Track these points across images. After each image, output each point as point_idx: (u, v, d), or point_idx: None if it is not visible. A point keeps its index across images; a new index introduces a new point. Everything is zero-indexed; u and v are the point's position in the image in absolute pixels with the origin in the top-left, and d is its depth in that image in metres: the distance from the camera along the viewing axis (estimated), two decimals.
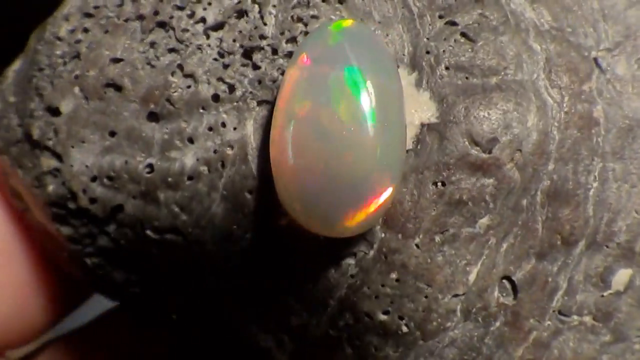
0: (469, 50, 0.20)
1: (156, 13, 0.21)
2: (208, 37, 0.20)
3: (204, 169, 0.20)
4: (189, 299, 0.22)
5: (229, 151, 0.20)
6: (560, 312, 0.20)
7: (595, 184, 0.20)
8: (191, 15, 0.20)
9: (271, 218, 0.20)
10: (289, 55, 0.20)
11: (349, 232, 0.18)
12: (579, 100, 0.20)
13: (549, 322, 0.20)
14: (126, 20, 0.21)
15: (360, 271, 0.20)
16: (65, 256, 0.23)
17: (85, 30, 0.21)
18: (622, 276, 0.20)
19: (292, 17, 0.20)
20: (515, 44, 0.20)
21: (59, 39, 0.21)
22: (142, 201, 0.20)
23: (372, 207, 0.17)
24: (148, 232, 0.21)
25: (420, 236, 0.19)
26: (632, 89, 0.20)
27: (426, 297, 0.19)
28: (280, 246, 0.20)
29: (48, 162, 0.21)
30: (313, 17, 0.20)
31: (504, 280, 0.20)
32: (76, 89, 0.21)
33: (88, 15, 0.21)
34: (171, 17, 0.20)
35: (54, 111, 0.21)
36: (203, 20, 0.20)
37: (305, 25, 0.20)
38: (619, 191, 0.20)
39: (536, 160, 0.19)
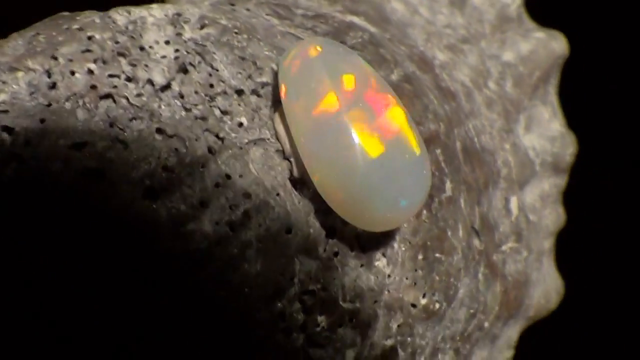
0: (366, 58, 0.22)
1: (94, 87, 0.17)
2: (162, 98, 0.18)
3: (226, 230, 0.17)
4: None
5: (247, 200, 0.18)
6: (498, 246, 0.24)
7: (475, 138, 0.25)
8: (132, 80, 0.18)
9: (314, 249, 0.18)
10: (254, 92, 0.19)
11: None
12: (439, 80, 0.24)
13: (499, 255, 0.24)
14: (58, 102, 0.17)
15: (394, 266, 0.20)
16: None
17: (6, 129, 0.16)
18: (514, 202, 0.25)
19: (236, 58, 0.19)
20: (387, 48, 0.23)
21: None
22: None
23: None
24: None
25: (425, 212, 0.21)
26: (454, 66, 0.26)
27: (443, 265, 0.21)
28: (326, 275, 0.19)
29: None
30: (252, 54, 0.20)
31: (471, 229, 0.23)
32: None
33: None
34: (114, 87, 0.17)
35: None
36: (150, 82, 0.18)
37: (253, 62, 0.19)
38: (487, 139, 0.25)
39: (449, 127, 0.23)
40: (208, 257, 0.17)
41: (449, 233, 0.22)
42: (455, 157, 0.23)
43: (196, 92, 0.18)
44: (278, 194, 0.18)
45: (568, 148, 0.28)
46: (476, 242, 0.23)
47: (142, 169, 0.17)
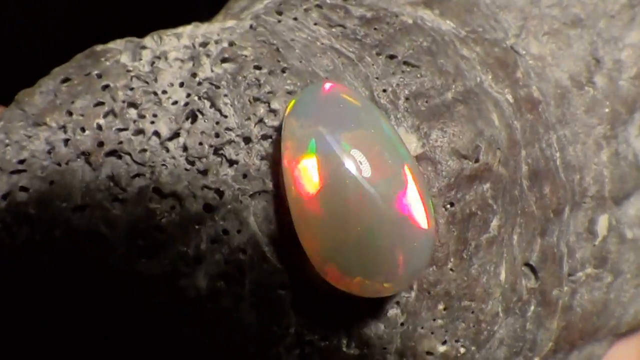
0: (418, 76, 0.20)
1: (101, 144, 0.18)
2: (168, 150, 0.19)
3: (221, 284, 0.18)
4: None
5: (243, 256, 0.18)
6: (569, 275, 0.22)
7: (557, 154, 0.22)
8: (140, 132, 0.19)
9: (310, 302, 0.19)
10: (265, 137, 0.19)
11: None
12: (518, 87, 0.21)
13: (565, 287, 0.22)
14: (67, 163, 0.18)
15: (409, 315, 0.20)
16: None
17: (24, 189, 0.18)
18: (602, 222, 0.22)
19: (249, 100, 0.19)
20: (450, 56, 0.21)
21: None
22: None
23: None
24: None
25: (452, 260, 0.20)
26: (551, 60, 0.22)
27: (473, 312, 0.20)
28: (326, 325, 0.19)
29: None
30: (269, 93, 0.19)
31: (524, 268, 0.21)
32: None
33: (17, 171, 0.18)
34: (120, 143, 0.18)
35: None
36: (157, 134, 0.19)
37: (266, 103, 0.19)
38: (576, 152, 0.22)
39: (512, 151, 0.21)
40: (200, 309, 0.18)
41: (484, 278, 0.20)
42: (516, 185, 0.21)
43: (200, 144, 0.19)
44: (275, 249, 0.18)
45: None
46: (530, 280, 0.21)
47: (138, 228, 0.18)
